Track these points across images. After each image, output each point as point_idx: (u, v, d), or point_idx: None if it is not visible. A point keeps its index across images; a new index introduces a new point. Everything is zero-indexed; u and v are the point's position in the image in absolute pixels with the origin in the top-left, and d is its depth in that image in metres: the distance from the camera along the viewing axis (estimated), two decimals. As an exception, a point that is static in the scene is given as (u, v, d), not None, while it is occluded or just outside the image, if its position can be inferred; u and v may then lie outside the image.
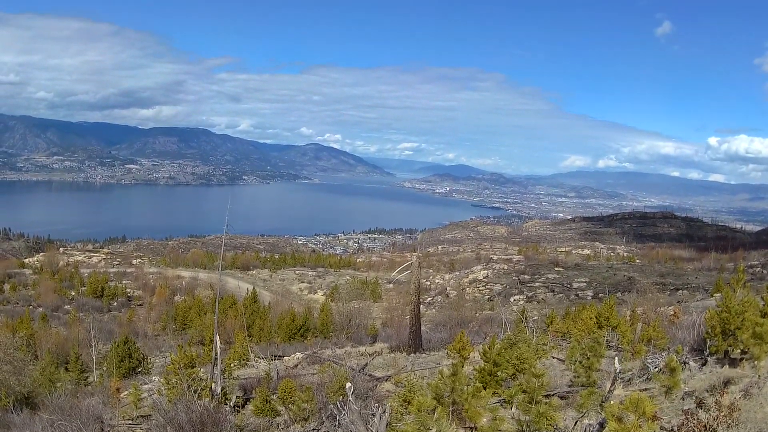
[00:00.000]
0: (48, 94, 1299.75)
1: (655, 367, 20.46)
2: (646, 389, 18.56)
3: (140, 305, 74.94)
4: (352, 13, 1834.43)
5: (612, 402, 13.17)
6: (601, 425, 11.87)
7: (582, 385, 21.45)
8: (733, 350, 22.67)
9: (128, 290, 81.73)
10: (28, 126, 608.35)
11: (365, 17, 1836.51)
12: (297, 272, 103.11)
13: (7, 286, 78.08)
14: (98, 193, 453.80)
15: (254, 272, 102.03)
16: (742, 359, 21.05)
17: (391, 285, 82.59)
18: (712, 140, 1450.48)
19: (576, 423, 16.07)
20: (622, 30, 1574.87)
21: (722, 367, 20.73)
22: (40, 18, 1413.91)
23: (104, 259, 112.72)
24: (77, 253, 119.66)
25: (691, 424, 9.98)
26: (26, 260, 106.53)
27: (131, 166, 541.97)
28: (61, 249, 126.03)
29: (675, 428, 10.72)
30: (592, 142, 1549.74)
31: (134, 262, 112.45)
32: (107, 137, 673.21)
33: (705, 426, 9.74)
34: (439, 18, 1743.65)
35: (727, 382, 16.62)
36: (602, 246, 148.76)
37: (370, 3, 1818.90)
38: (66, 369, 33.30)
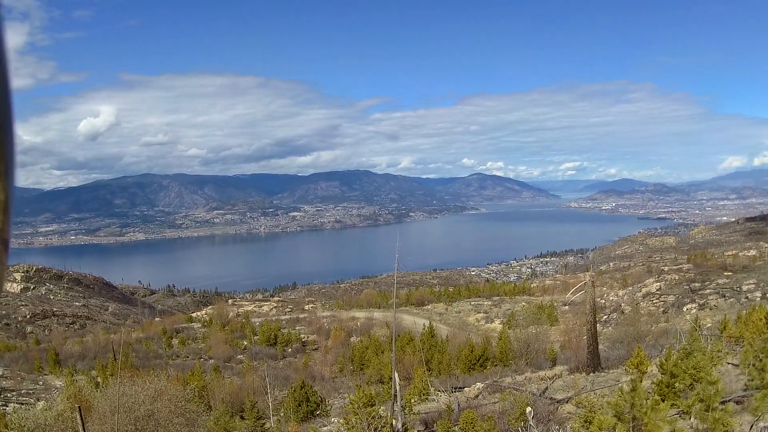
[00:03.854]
0: (200, 150, 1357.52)
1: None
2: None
3: (315, 349, 74.78)
4: (497, 39, 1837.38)
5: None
6: (776, 426, 11.24)
7: (756, 388, 20.91)
8: None
9: (302, 335, 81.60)
10: (183, 183, 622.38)
11: (511, 41, 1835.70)
12: (472, 303, 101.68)
13: (175, 341, 78.49)
14: (263, 242, 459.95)
15: (429, 307, 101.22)
16: None
17: (566, 307, 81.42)
18: None
19: (752, 427, 15.52)
20: (757, 24, 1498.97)
21: None
22: (182, 77, 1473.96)
23: (275, 307, 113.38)
24: (246, 303, 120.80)
25: None
26: (194, 314, 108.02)
27: (295, 213, 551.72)
28: (230, 300, 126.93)
29: None
30: (746, 141, 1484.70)
31: (306, 307, 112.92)
32: (267, 187, 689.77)
33: None
34: (583, 33, 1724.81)
35: None
36: (767, 245, 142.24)
37: (513, 28, 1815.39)
38: (241, 417, 33.98)
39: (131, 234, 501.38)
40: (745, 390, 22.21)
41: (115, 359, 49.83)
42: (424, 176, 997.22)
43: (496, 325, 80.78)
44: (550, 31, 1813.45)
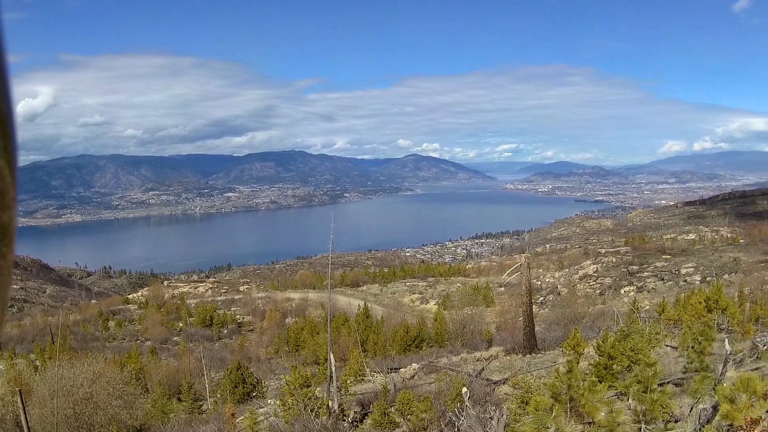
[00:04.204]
0: (137, 131, 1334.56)
1: (764, 346, 19.90)
2: (757, 368, 18.24)
3: (251, 330, 74.84)
4: (435, 20, 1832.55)
5: (724, 384, 12.72)
6: (715, 408, 11.56)
7: (695, 371, 21.22)
8: (842, 322, 21.77)
9: (238, 317, 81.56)
10: (119, 164, 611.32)
11: (449, 24, 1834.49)
12: (407, 284, 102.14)
13: (112, 323, 78.34)
14: (199, 223, 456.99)
15: (364, 288, 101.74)
16: None
17: (502, 288, 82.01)
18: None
19: (691, 409, 15.79)
20: (701, 10, 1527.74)
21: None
22: (121, 58, 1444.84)
23: (210, 288, 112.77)
24: (182, 284, 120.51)
25: (803, 399, 9.55)
26: (130, 296, 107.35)
27: (230, 194, 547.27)
28: (166, 282, 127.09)
29: (787, 405, 10.27)
30: (686, 126, 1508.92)
31: (241, 288, 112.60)
32: (202, 168, 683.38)
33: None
34: (522, 17, 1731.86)
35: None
36: (706, 229, 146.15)
37: (453, 9, 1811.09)
38: (179, 399, 33.84)
39: (68, 215, 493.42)
40: (684, 372, 22.56)
41: (54, 342, 49.03)
42: (360, 157, 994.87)
43: (432, 305, 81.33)
44: (489, 13, 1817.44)
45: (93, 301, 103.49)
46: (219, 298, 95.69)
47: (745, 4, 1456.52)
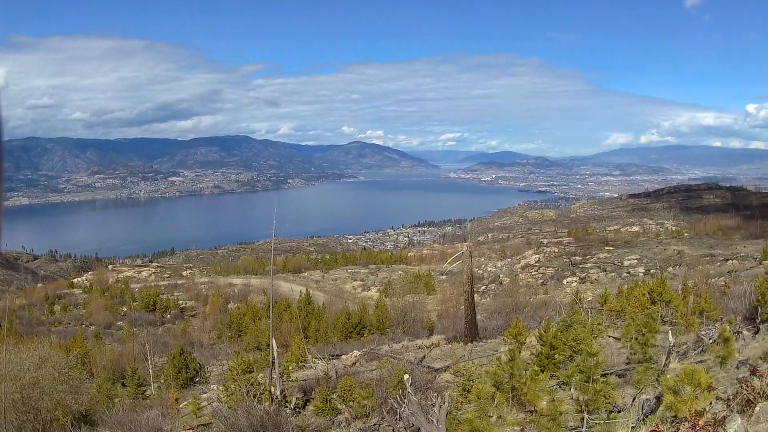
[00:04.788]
0: (84, 114, 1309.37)
1: (709, 339, 20.25)
2: (701, 361, 18.39)
3: (194, 316, 75.04)
4: (383, 8, 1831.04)
5: (668, 376, 12.94)
6: (658, 399, 11.70)
7: (638, 362, 21.39)
8: (784, 316, 22.29)
9: (180, 302, 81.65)
10: (66, 147, 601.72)
11: (397, 11, 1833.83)
12: (349, 271, 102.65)
13: (57, 307, 78.34)
14: (143, 208, 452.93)
15: (306, 274, 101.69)
16: (794, 325, 20.70)
17: (444, 276, 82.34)
18: (750, 107, 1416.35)
19: (634, 399, 15.96)
20: (652, 5, 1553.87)
21: (774, 333, 20.40)
22: (70, 40, 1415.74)
23: (154, 273, 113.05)
24: (126, 269, 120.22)
25: (746, 392, 9.81)
26: (75, 280, 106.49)
27: (174, 178, 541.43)
28: (110, 266, 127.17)
29: (730, 397, 10.54)
30: (632, 119, 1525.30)
31: (184, 273, 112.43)
32: (148, 152, 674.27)
33: (759, 392, 9.57)
34: (471, 6, 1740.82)
35: (780, 349, 16.34)
36: (650, 222, 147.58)
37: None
38: (123, 384, 33.74)
39: (15, 198, 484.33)
40: (627, 363, 22.82)
41: (0, 327, 48.29)
42: (304, 143, 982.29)
43: (373, 293, 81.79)
44: (437, 1, 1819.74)
45: (39, 285, 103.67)
46: (162, 283, 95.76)
47: (697, 1, 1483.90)
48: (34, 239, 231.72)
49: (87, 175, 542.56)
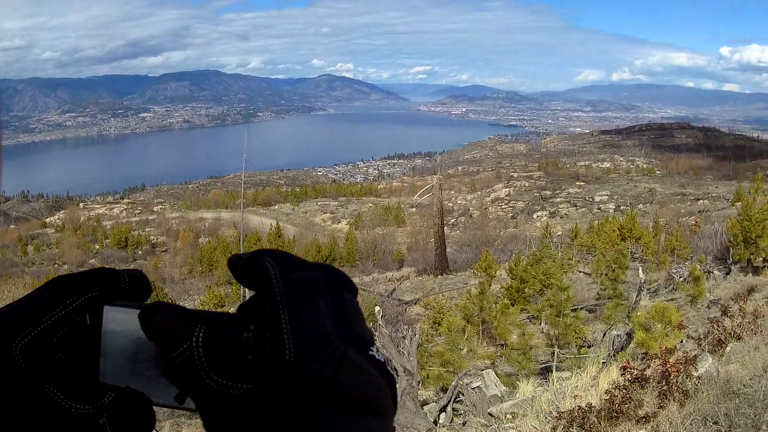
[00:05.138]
0: (55, 53, 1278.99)
1: (680, 277, 20.36)
2: (672, 299, 18.55)
3: (165, 251, 74.70)
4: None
5: (639, 313, 13.04)
6: (629, 335, 11.78)
7: (609, 298, 21.57)
8: (755, 258, 22.56)
9: (152, 237, 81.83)
10: (37, 87, 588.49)
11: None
12: (319, 203, 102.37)
13: (30, 248, 77.98)
14: (113, 144, 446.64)
15: (276, 207, 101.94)
16: (764, 267, 20.94)
17: (414, 209, 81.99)
18: (724, 50, 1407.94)
19: (604, 334, 16.07)
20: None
21: (746, 275, 20.64)
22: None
23: (125, 209, 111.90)
24: (98, 206, 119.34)
25: (717, 332, 9.88)
26: (47, 220, 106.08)
27: (145, 114, 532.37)
28: (81, 204, 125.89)
29: (701, 336, 10.63)
30: (605, 56, 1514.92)
31: (155, 209, 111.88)
32: (118, 89, 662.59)
33: (730, 333, 9.63)
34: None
35: (750, 290, 16.52)
36: (621, 158, 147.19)
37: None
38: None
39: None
40: (597, 299, 23.02)
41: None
42: (274, 76, 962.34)
43: (343, 225, 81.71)
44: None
45: (12, 227, 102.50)
46: (133, 219, 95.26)
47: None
48: (5, 180, 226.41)
49: (58, 114, 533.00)
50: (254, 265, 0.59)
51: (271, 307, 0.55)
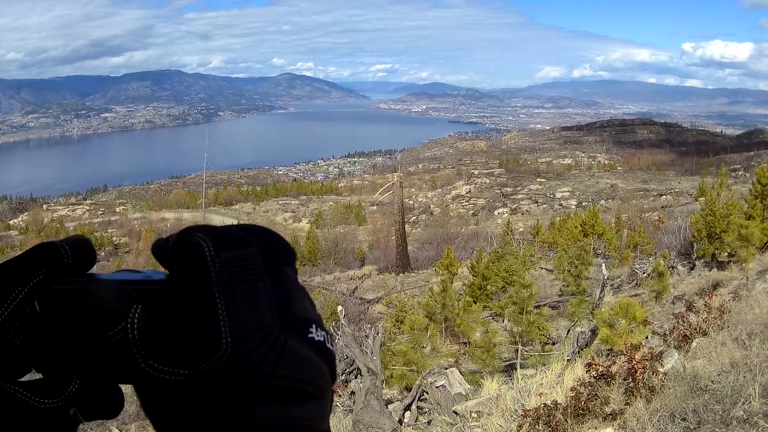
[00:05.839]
0: (18, 54, 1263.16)
1: (644, 273, 20.43)
2: (636, 295, 18.57)
3: (128, 252, 73.96)
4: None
5: (603, 309, 12.97)
6: (593, 332, 11.70)
7: (572, 294, 21.57)
8: (720, 253, 22.71)
9: (114, 238, 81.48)
10: (1, 89, 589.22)
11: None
12: (280, 202, 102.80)
13: None
14: (76, 145, 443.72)
15: (237, 207, 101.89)
16: (729, 262, 21.06)
17: (374, 207, 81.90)
18: (687, 46, 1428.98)
19: (568, 331, 15.99)
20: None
21: (710, 270, 20.74)
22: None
23: (88, 210, 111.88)
24: (60, 207, 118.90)
25: (682, 327, 9.82)
26: (11, 222, 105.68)
27: (106, 114, 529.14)
28: (44, 206, 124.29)
29: (667, 332, 10.57)
30: (565, 53, 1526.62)
31: (118, 209, 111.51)
32: (81, 89, 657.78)
33: (696, 328, 9.58)
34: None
35: (716, 285, 16.56)
36: (583, 155, 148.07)
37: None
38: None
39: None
40: (560, 295, 23.05)
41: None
42: (234, 75, 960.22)
43: (304, 224, 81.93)
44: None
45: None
46: (96, 220, 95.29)
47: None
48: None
49: (21, 115, 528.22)
50: (185, 245, 0.56)
51: (207, 292, 0.53)
